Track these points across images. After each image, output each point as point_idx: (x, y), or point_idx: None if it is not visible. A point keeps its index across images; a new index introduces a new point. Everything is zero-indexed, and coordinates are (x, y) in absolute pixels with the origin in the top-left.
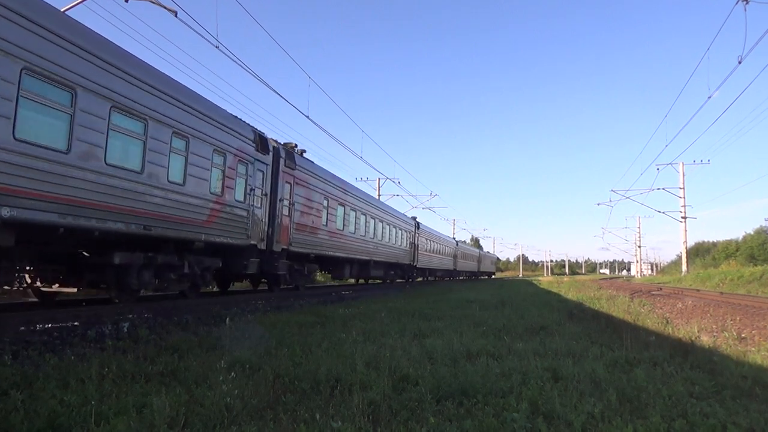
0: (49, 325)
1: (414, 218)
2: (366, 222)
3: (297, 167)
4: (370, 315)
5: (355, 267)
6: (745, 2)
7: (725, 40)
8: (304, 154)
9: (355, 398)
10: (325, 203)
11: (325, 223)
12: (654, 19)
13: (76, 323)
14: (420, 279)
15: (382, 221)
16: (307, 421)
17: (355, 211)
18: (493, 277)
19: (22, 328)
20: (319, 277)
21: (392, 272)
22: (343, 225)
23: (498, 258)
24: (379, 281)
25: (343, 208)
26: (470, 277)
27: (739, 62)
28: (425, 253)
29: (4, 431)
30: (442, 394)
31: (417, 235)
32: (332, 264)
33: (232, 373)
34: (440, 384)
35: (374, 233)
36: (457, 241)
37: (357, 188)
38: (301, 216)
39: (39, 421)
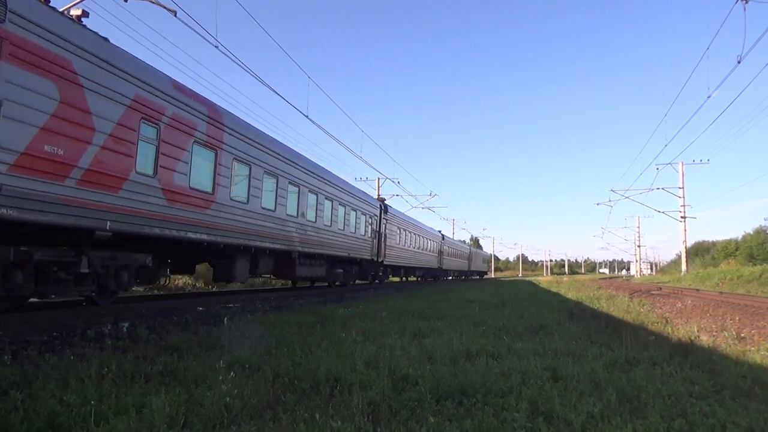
0: (49, 325)
1: (382, 200)
2: (281, 188)
3: (11, 17)
4: (370, 315)
5: (266, 262)
6: (744, 2)
7: (725, 40)
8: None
9: (354, 398)
10: (151, 134)
11: (152, 173)
12: (654, 19)
13: (75, 323)
14: (397, 279)
15: (317, 193)
16: (306, 421)
17: (250, 166)
18: (485, 277)
19: None
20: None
21: (340, 270)
22: (214, 184)
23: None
24: (324, 284)
25: (214, 153)
26: (459, 277)
27: (739, 62)
28: (397, 246)
29: (4, 431)
30: (442, 394)
31: (384, 221)
32: (197, 254)
33: (232, 373)
34: (440, 384)
35: (300, 210)
36: (443, 235)
37: (264, 134)
38: (49, 140)
39: (39, 421)
